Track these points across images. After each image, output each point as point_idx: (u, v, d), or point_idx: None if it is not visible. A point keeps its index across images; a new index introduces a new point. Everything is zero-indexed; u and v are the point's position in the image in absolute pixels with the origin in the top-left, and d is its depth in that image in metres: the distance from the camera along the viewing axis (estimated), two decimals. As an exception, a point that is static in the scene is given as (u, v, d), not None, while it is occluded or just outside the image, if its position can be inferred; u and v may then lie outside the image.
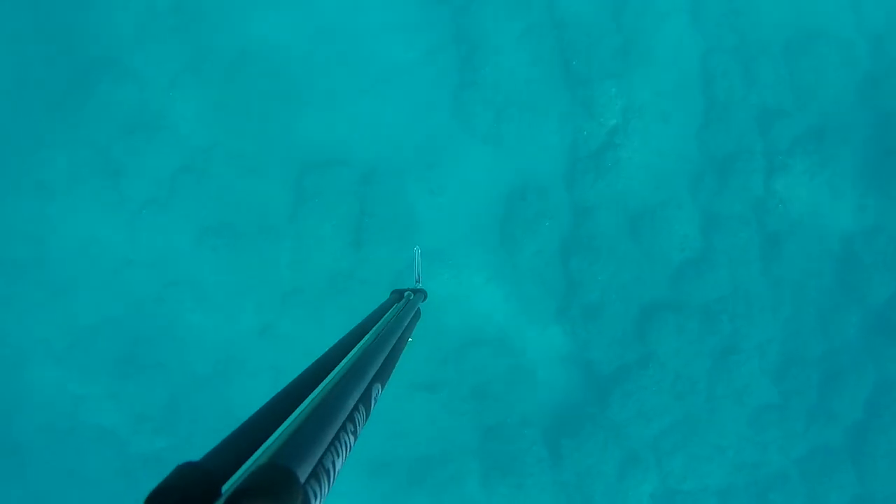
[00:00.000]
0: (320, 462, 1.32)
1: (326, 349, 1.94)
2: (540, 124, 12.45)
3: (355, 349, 2.02)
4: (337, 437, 1.45)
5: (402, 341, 2.38)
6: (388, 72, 12.79)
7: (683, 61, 12.64)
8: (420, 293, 3.12)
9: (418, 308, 2.93)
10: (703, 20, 12.74)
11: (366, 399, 1.75)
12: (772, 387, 13.09)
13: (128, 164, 12.28)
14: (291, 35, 12.81)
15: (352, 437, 1.54)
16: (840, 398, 13.04)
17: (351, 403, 1.62)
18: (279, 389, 1.59)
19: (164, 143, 12.48)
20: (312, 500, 1.22)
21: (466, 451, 12.81)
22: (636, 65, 12.36)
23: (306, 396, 1.58)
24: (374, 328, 2.32)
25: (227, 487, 1.13)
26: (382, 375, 1.97)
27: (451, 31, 12.84)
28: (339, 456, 1.42)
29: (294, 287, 12.79)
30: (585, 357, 12.66)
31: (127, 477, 13.36)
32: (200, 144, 12.64)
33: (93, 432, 13.13)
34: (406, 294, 3.03)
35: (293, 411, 1.49)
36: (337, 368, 1.82)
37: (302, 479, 1.19)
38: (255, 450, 1.30)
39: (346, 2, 12.61)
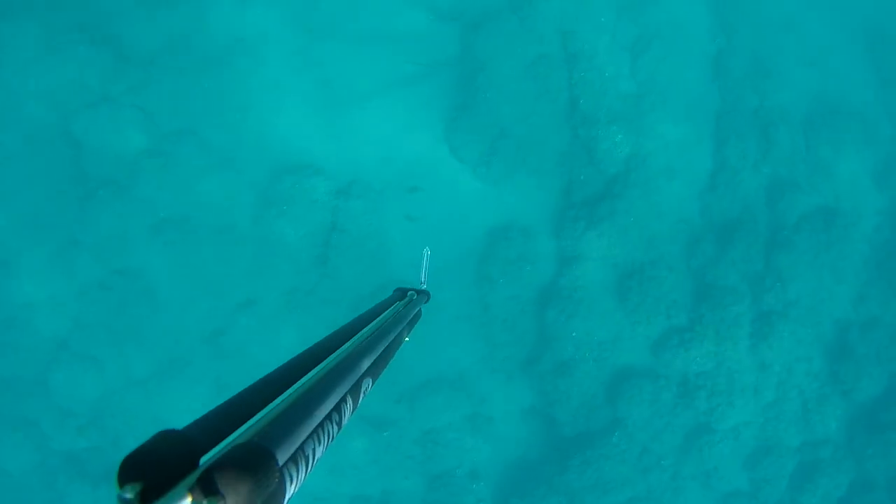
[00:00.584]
0: (301, 448, 1.31)
1: (324, 336, 1.89)
2: (535, 161, 11.58)
3: (352, 341, 1.98)
4: (321, 426, 1.44)
5: (398, 340, 2.36)
6: (383, 82, 11.91)
7: (699, 116, 11.81)
8: (423, 294, 3.03)
9: (420, 309, 2.87)
10: (726, 75, 11.93)
11: (355, 392, 1.74)
12: (742, 473, 12.24)
13: (88, 140, 11.33)
14: (287, 30, 11.92)
15: (336, 428, 1.54)
16: (813, 494, 12.20)
17: (340, 394, 1.61)
18: (272, 370, 1.56)
19: (131, 122, 11.54)
20: (288, 484, 1.21)
21: (409, 497, 11.90)
22: (647, 112, 11.52)
23: (298, 380, 1.56)
24: (374, 323, 2.26)
25: (205, 459, 1.07)
26: (374, 371, 1.97)
27: (456, 47, 11.96)
28: (320, 444, 1.41)
29: (250, 296, 11.86)
30: (549, 414, 11.78)
31: (44, 473, 12.40)
32: (170, 128, 11.70)
33: (14, 422, 12.16)
34: (409, 294, 2.93)
35: (282, 393, 1.46)
36: (331, 357, 1.79)
37: (280, 462, 1.18)
38: (240, 426, 1.25)
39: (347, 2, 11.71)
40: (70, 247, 11.77)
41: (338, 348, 1.88)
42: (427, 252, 3.85)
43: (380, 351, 2.07)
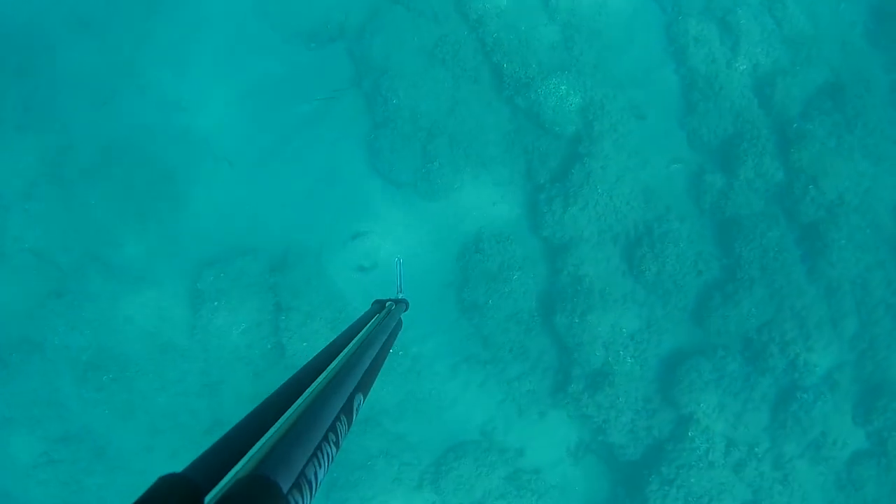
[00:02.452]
0: (303, 472, 1.30)
1: (309, 359, 1.84)
2: (479, 153, 9.70)
3: (338, 359, 1.91)
4: (319, 448, 1.43)
5: (383, 351, 2.31)
6: (286, 129, 10.22)
7: (643, 33, 9.94)
8: (402, 303, 2.94)
9: (400, 318, 2.80)
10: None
11: (348, 409, 1.72)
12: (855, 429, 9.81)
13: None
14: (156, 115, 10.33)
15: (334, 448, 1.52)
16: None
17: (333, 414, 1.59)
18: (263, 399, 1.51)
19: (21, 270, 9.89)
20: None
21: None
22: (584, 52, 9.66)
23: (289, 406, 1.51)
24: (357, 338, 2.18)
25: (209, 498, 1.06)
26: (364, 385, 1.94)
27: (349, 66, 10.28)
28: (321, 466, 1.40)
29: (214, 420, 9.87)
30: (602, 442, 9.51)
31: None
32: (67, 262, 10.02)
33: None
34: (388, 304, 2.82)
35: (276, 421, 1.43)
36: (319, 378, 1.74)
37: (285, 490, 1.18)
38: (239, 460, 1.23)
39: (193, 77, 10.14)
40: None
41: (324, 369, 1.80)
42: (399, 260, 3.90)
43: (367, 365, 1.98)
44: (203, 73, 10.43)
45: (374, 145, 9.89)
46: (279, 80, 10.37)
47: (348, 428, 1.69)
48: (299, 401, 1.57)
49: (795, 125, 9.28)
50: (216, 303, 9.62)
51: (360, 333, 2.29)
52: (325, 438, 1.48)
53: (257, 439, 1.33)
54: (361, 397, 1.89)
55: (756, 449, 9.36)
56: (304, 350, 9.61)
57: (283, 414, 1.47)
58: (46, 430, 10.04)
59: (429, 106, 9.66)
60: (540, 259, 9.72)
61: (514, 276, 9.49)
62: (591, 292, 9.22)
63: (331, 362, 1.89)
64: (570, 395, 9.37)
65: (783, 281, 9.19)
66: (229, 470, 1.19)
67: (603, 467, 9.61)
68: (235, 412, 8.77)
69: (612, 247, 9.50)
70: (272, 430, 1.39)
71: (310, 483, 1.31)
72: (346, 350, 2.04)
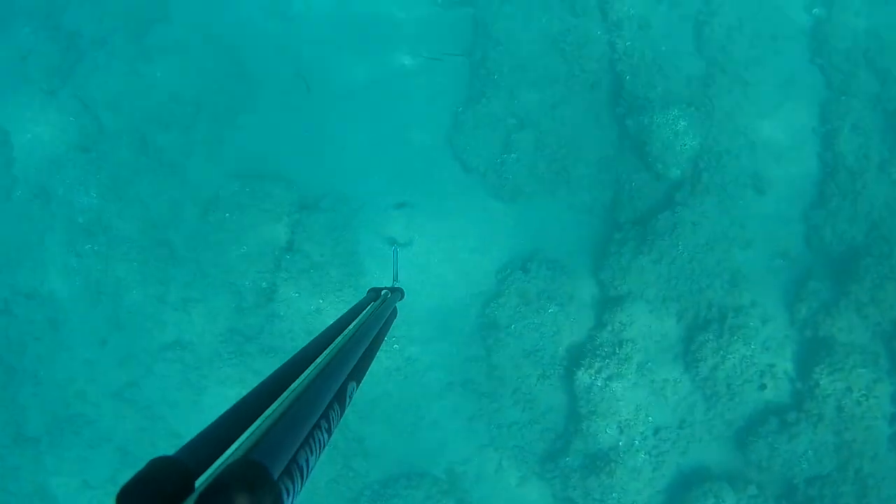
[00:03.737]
0: (294, 459, 1.29)
1: (303, 345, 1.82)
2: (565, 166, 8.49)
3: (332, 346, 1.90)
4: (311, 435, 1.42)
5: (378, 340, 2.31)
6: (381, 74, 9.36)
7: (795, 104, 8.50)
8: (397, 292, 2.96)
9: (395, 307, 2.79)
10: (829, 52, 8.70)
11: (341, 396, 1.72)
12: None
13: None
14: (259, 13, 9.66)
15: (326, 435, 1.53)
16: None
17: (326, 401, 1.57)
18: (255, 385, 1.48)
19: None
20: (285, 497, 1.19)
21: None
22: (721, 95, 8.35)
23: (282, 392, 1.50)
24: (352, 326, 2.18)
25: (200, 482, 1.05)
26: (358, 373, 1.94)
27: (468, 33, 9.33)
28: (313, 453, 1.40)
29: (172, 341, 8.84)
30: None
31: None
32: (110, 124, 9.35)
33: None
34: (383, 293, 2.84)
35: (269, 407, 1.41)
36: (313, 365, 1.72)
37: (275, 476, 1.15)
38: (230, 444, 1.22)
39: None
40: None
41: (319, 355, 1.80)
42: (395, 249, 4.11)
43: (360, 353, 1.97)
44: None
45: (458, 117, 8.83)
46: (395, 24, 9.53)
47: (341, 415, 1.70)
48: (292, 387, 1.56)
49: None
50: (227, 214, 8.68)
51: (356, 321, 2.27)
52: (318, 425, 1.48)
53: (250, 424, 1.31)
54: (355, 385, 1.91)
55: None
56: (293, 301, 8.49)
57: (276, 399, 1.45)
58: (16, 280, 9.31)
59: (530, 94, 8.53)
60: (587, 303, 8.33)
61: (550, 308, 8.12)
62: (629, 361, 7.73)
63: (325, 349, 1.86)
64: (561, 468, 7.85)
65: (860, 436, 7.44)
66: (221, 454, 1.17)
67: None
68: (201, 338, 7.68)
69: (671, 320, 8.00)
70: (265, 415, 1.37)
71: (301, 469, 1.30)
72: (340, 337, 2.02)
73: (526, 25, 8.75)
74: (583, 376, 7.83)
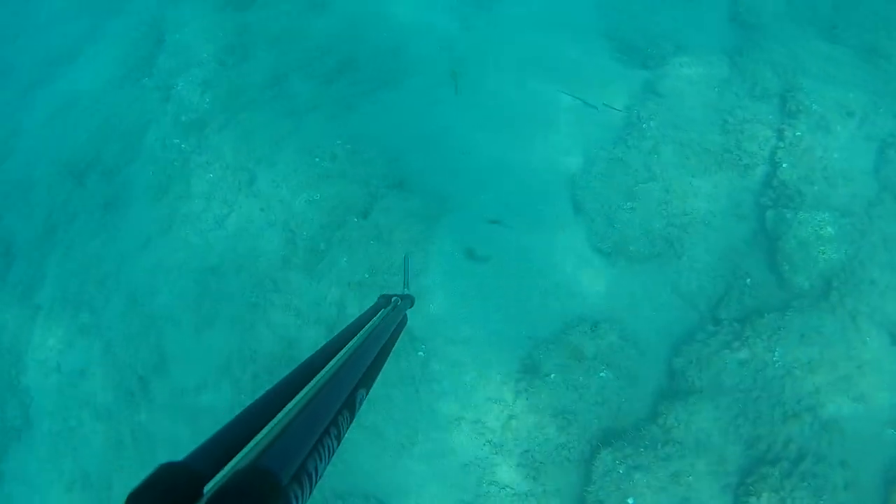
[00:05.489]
0: (303, 465, 1.28)
1: (314, 352, 1.82)
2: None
3: (342, 353, 1.90)
4: (320, 441, 1.40)
5: (388, 347, 2.29)
6: (528, 97, 9.16)
7: None
8: (408, 299, 2.92)
9: (405, 314, 2.78)
10: None
11: (350, 404, 1.70)
12: None
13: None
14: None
15: (335, 442, 1.50)
16: None
17: (336, 408, 1.57)
18: (265, 390, 1.49)
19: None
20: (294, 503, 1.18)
21: None
22: (881, 217, 7.09)
23: (292, 398, 1.51)
24: (362, 332, 2.16)
25: (209, 488, 1.06)
26: (367, 380, 1.91)
27: (637, 92, 8.89)
28: (321, 460, 1.38)
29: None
30: None
31: None
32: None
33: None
34: (394, 300, 2.80)
35: (278, 413, 1.42)
36: (323, 371, 1.72)
37: (284, 482, 1.15)
38: (239, 451, 1.23)
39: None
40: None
41: (328, 362, 1.79)
42: (407, 257, 3.80)
43: (371, 360, 1.96)
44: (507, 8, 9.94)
45: (590, 155, 8.23)
46: (567, 61, 9.34)
47: (350, 422, 1.66)
48: (302, 393, 1.54)
49: None
50: (320, 160, 8.49)
51: (366, 327, 2.24)
52: (327, 432, 1.45)
53: (259, 430, 1.30)
54: (364, 392, 1.85)
55: None
56: (321, 252, 7.95)
57: (285, 406, 1.44)
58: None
59: (672, 154, 7.77)
60: (648, 388, 7.03)
61: (602, 373, 6.93)
62: (668, 460, 6.30)
63: (335, 356, 1.84)
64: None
65: None
66: (230, 460, 1.17)
67: None
68: (221, 263, 7.30)
69: (738, 445, 6.50)
70: (274, 421, 1.37)
71: (310, 476, 1.28)
72: (350, 344, 1.99)
73: (696, 89, 8.14)
74: (605, 457, 6.46)
